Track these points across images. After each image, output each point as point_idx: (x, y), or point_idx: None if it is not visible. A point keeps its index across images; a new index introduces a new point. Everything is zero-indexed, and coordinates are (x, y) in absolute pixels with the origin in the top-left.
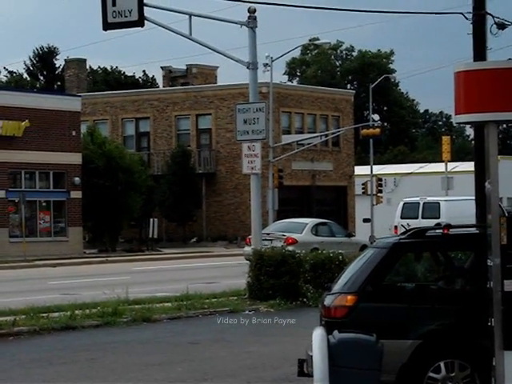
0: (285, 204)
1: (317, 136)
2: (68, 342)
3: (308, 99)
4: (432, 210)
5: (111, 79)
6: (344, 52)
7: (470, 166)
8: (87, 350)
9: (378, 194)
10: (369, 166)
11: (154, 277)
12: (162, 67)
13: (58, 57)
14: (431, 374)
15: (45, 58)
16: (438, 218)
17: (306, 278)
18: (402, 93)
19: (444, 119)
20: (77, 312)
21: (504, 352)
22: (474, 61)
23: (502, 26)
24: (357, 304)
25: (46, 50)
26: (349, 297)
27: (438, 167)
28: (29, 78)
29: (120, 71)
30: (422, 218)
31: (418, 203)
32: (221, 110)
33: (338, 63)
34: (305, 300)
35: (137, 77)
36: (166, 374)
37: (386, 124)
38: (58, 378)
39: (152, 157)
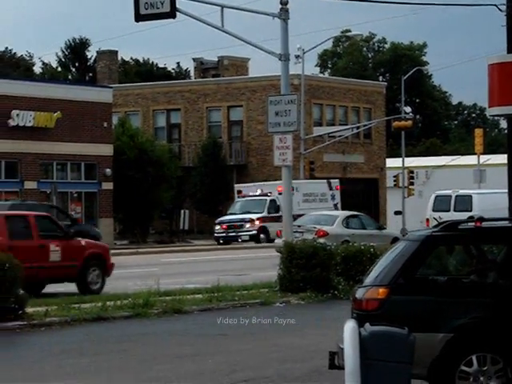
0: None
1: (348, 128)
2: (99, 333)
3: (340, 91)
4: (464, 202)
5: (143, 71)
6: (376, 44)
7: (503, 158)
8: (118, 342)
9: (410, 187)
10: (400, 159)
11: (185, 268)
12: (193, 59)
13: (89, 48)
14: (463, 368)
15: (77, 49)
16: (470, 210)
17: (337, 271)
18: (435, 85)
19: (478, 111)
20: (108, 303)
21: None
22: (508, 53)
23: None
24: (389, 297)
25: (77, 41)
26: (380, 289)
27: (471, 160)
28: (61, 70)
29: (152, 63)
30: (454, 210)
31: (450, 196)
32: (252, 101)
33: (370, 55)
34: (336, 292)
35: (170, 69)
36: (196, 365)
37: (418, 116)
38: (90, 369)
39: (183, 148)
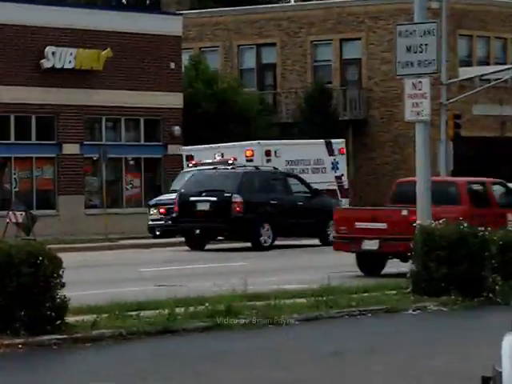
0: (462, 162)
1: (508, 69)
2: (165, 351)
3: (496, 18)
4: None
5: None
6: None
7: None
8: (191, 362)
9: None
10: None
11: (285, 261)
12: None
13: None
14: None
15: None
16: None
17: (492, 266)
18: None
19: None
20: (177, 310)
21: None
22: None
23: None
24: None
25: None
26: None
27: None
28: None
29: None
30: None
31: None
32: (374, 32)
33: None
34: (491, 295)
35: None
36: None
37: None
38: None
39: (279, 98)
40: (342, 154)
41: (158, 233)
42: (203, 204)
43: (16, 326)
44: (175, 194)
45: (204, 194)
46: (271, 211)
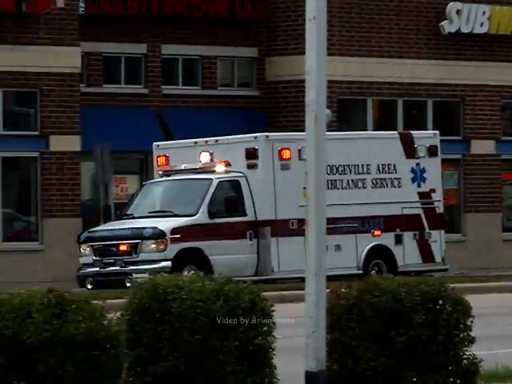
0: None
1: None
2: None
3: None
4: None
5: None
6: None
7: None
8: None
9: None
10: None
11: None
12: None
13: None
14: None
15: None
16: None
17: None
18: None
19: None
20: None
21: None
22: None
23: None
24: None
25: None
26: None
27: None
28: None
29: None
30: None
31: None
32: None
33: None
34: None
35: None
36: None
37: None
38: None
39: None
40: (434, 156)
41: (89, 286)
42: None
43: None
44: (124, 221)
45: None
46: None
